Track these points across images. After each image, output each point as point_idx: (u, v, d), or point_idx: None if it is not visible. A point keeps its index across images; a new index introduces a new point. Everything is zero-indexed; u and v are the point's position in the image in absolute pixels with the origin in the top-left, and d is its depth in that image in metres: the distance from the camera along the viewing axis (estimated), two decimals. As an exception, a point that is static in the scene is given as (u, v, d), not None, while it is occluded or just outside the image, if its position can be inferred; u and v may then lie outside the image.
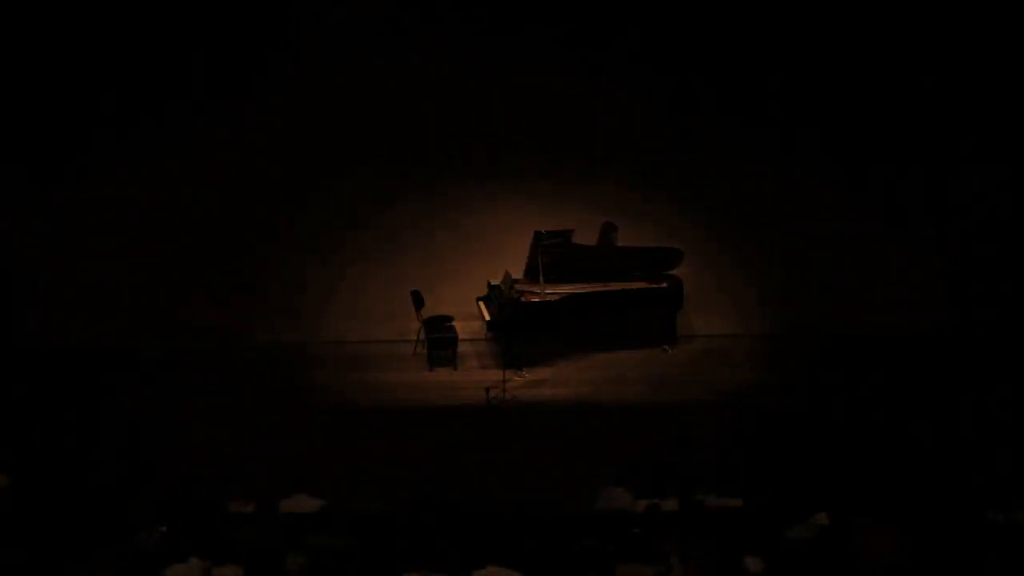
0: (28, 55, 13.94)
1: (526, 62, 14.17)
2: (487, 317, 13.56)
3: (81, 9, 13.82)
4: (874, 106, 14.25)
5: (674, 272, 13.94)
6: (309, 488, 9.99)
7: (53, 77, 13.93)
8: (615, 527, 9.31)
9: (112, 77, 13.95)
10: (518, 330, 13.34)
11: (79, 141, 14.08)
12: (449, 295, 14.23)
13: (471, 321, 14.04)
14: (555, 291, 13.47)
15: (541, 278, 13.31)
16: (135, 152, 14.20)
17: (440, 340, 13.79)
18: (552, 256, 13.39)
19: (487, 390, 12.65)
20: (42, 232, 14.28)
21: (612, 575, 8.48)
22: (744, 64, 14.18)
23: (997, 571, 8.51)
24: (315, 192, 14.45)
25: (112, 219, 14.26)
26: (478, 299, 13.96)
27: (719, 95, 14.27)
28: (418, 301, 13.98)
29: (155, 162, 14.23)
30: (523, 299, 13.35)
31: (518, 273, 13.72)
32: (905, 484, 10.56)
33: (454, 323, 13.96)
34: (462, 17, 14.09)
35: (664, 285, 13.79)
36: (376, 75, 14.19)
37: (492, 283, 13.88)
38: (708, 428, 11.75)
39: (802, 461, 11.01)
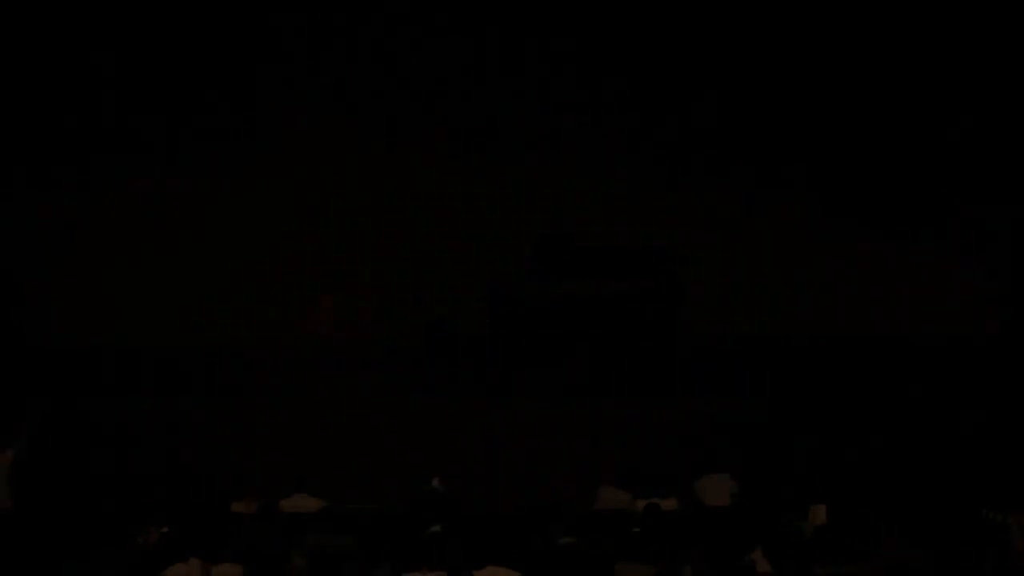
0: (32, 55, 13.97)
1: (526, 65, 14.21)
2: (488, 318, 13.56)
3: (91, 9, 13.86)
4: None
5: (674, 271, 13.92)
6: (309, 488, 10.00)
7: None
8: (615, 527, 9.32)
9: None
10: (519, 330, 13.33)
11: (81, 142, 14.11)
12: (450, 296, 14.21)
13: (471, 322, 14.02)
14: (556, 291, 13.47)
15: (542, 279, 13.32)
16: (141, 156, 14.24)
17: (441, 341, 13.77)
18: (553, 258, 13.39)
19: (489, 388, 12.65)
20: (39, 233, 14.29)
21: (611, 575, 8.48)
22: (746, 61, 14.19)
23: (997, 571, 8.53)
24: (312, 192, 14.44)
25: (112, 219, 14.27)
26: (480, 300, 13.94)
27: (719, 93, 14.28)
28: (418, 302, 13.98)
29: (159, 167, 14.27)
30: (524, 300, 13.35)
31: (520, 274, 13.71)
32: (905, 483, 10.58)
33: (455, 324, 13.94)
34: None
35: (664, 284, 13.77)
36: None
37: (493, 284, 13.87)
38: (708, 426, 11.76)
39: (801, 459, 11.03)
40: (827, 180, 14.42)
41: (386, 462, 11.23)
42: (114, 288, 14.21)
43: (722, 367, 13.54)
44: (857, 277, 14.40)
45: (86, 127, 14.11)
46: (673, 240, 14.02)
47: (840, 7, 14.08)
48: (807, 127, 14.32)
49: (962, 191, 14.33)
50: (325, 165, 14.39)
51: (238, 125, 14.31)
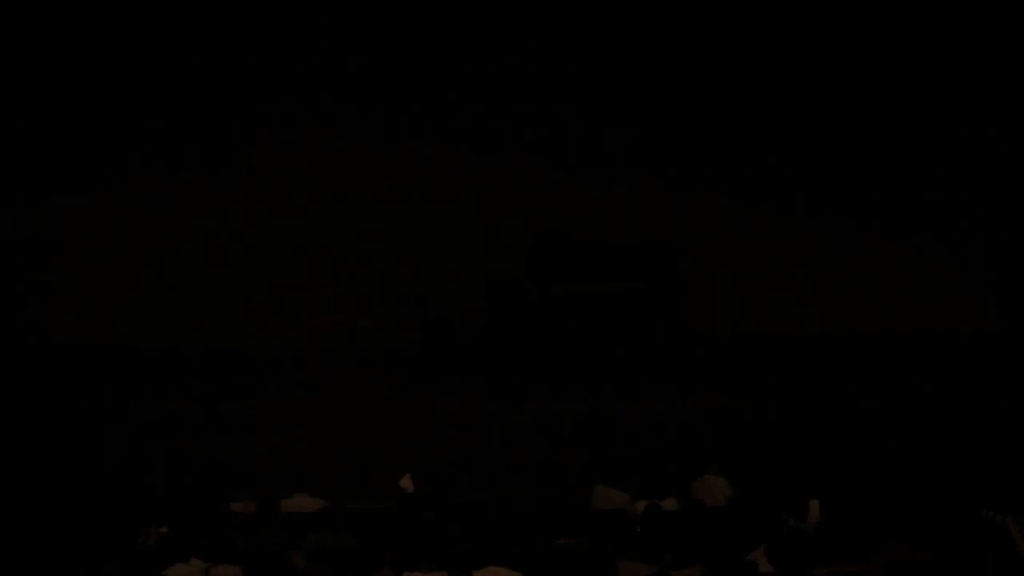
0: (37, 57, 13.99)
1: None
2: (488, 318, 13.56)
3: (91, 8, 13.89)
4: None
5: (674, 271, 13.92)
6: (309, 488, 10.01)
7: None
8: (615, 527, 9.33)
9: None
10: (519, 330, 13.34)
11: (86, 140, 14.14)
12: (451, 296, 14.20)
13: (471, 322, 14.02)
14: (556, 291, 13.47)
15: (541, 279, 13.32)
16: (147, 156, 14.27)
17: (441, 341, 13.76)
18: (553, 258, 13.40)
19: (489, 388, 12.65)
20: (39, 232, 14.30)
21: (613, 574, 8.50)
22: (747, 61, 14.20)
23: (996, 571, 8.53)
24: (312, 192, 14.45)
25: (112, 219, 14.29)
26: (480, 299, 13.94)
27: (720, 92, 14.28)
28: (419, 302, 13.97)
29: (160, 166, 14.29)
30: (524, 300, 13.35)
31: (520, 274, 13.71)
32: (905, 483, 10.58)
33: (455, 324, 13.93)
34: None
35: (664, 284, 13.77)
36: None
37: (493, 284, 13.86)
38: (709, 426, 11.76)
39: (802, 459, 11.03)
40: (828, 180, 14.42)
41: (386, 462, 11.22)
42: (114, 288, 14.21)
43: (723, 367, 13.54)
44: (857, 277, 14.40)
45: (86, 127, 14.12)
46: (673, 240, 14.02)
47: (840, 6, 14.10)
48: (808, 127, 14.32)
49: (962, 191, 14.34)
50: (325, 165, 14.40)
51: (238, 125, 14.32)
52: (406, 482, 10.38)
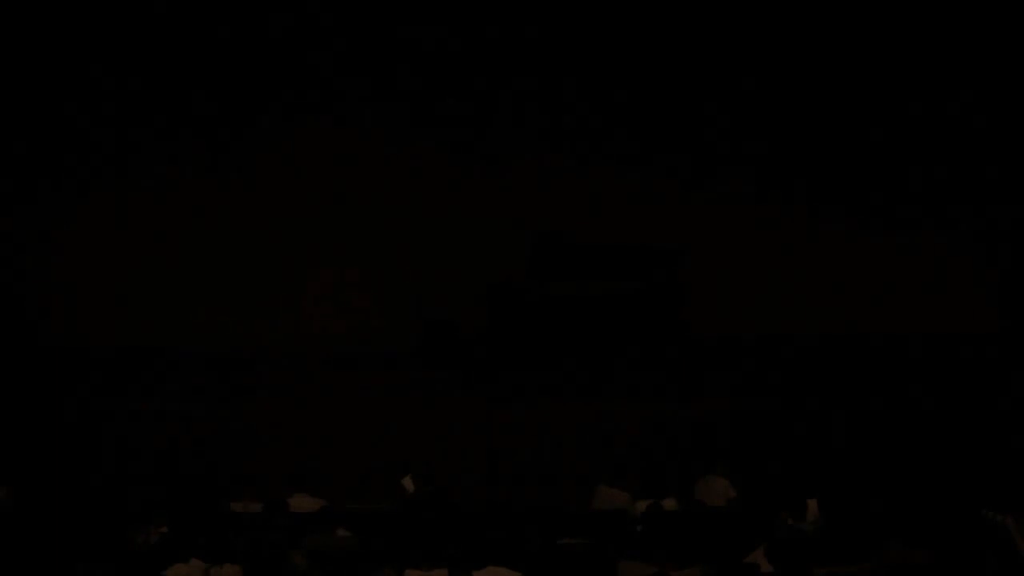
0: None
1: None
2: (488, 318, 13.56)
3: (92, 8, 13.92)
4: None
5: (675, 271, 13.92)
6: (309, 488, 10.01)
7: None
8: (615, 527, 9.35)
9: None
10: (519, 330, 13.34)
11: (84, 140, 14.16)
12: (451, 296, 14.21)
13: (471, 322, 14.02)
14: (556, 291, 13.47)
15: (541, 279, 13.32)
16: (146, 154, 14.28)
17: (441, 341, 13.77)
18: (553, 257, 13.40)
19: (489, 388, 12.67)
20: (39, 233, 14.32)
21: (613, 574, 8.51)
22: (747, 61, 14.22)
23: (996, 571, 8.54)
24: (312, 192, 14.46)
25: (112, 220, 14.30)
26: (480, 300, 13.94)
27: (720, 92, 14.29)
28: (419, 303, 13.98)
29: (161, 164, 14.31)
30: (524, 299, 13.35)
31: (519, 274, 13.71)
32: (905, 483, 10.58)
33: (455, 324, 13.94)
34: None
35: (665, 284, 13.77)
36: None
37: (493, 284, 13.87)
38: (709, 426, 11.77)
39: (801, 459, 11.05)
40: (828, 180, 14.42)
41: (386, 462, 11.24)
42: (114, 288, 14.21)
43: (722, 367, 13.54)
44: (857, 277, 14.40)
45: (86, 127, 14.13)
46: (675, 240, 14.01)
47: (838, 6, 14.11)
48: (808, 127, 14.32)
49: (963, 191, 14.34)
50: (325, 165, 14.40)
51: (238, 125, 14.33)
52: (406, 482, 10.39)
